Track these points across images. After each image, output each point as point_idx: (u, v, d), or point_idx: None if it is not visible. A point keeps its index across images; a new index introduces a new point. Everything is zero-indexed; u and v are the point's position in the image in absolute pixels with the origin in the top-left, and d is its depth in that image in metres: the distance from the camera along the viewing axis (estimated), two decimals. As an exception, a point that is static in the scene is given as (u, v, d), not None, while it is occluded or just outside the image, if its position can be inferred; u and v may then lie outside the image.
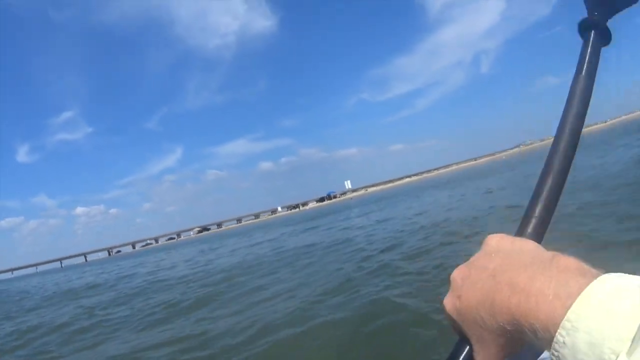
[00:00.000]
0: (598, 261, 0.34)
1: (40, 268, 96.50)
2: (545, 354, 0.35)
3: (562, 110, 0.53)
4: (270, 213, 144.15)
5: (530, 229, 0.47)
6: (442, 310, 0.43)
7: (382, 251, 7.89)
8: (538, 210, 0.48)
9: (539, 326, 0.32)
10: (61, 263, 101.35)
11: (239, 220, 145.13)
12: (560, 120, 0.52)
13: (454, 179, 39.05)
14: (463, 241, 6.80)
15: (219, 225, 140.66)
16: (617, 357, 0.26)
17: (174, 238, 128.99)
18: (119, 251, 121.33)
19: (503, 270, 0.37)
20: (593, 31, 0.56)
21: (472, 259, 0.43)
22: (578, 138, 0.51)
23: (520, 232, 0.47)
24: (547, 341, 0.31)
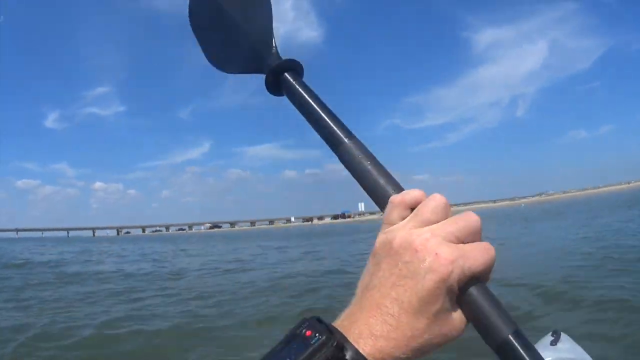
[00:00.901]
0: None
1: (46, 234, 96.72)
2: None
3: None
4: (285, 221, 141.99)
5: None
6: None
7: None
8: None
9: None
10: (68, 233, 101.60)
11: (252, 223, 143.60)
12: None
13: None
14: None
15: (232, 224, 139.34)
16: None
17: (184, 229, 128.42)
18: (128, 232, 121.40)
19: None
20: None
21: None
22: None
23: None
24: None
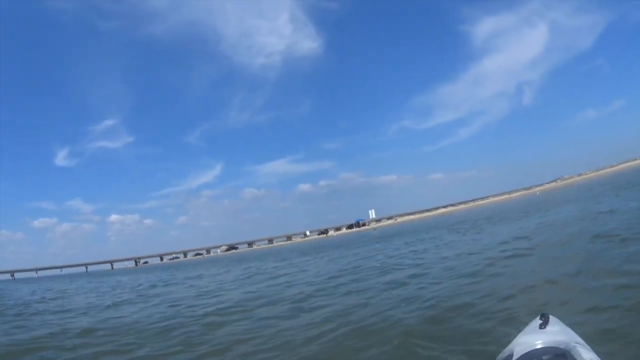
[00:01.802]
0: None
1: (65, 271, 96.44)
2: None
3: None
4: (303, 236, 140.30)
5: None
6: None
7: None
8: None
9: None
10: (86, 268, 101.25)
11: (270, 240, 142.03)
12: None
13: (469, 218, 30.82)
14: None
15: (250, 244, 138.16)
16: None
17: (201, 254, 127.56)
18: (146, 262, 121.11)
19: None
20: None
21: None
22: None
23: None
24: None
